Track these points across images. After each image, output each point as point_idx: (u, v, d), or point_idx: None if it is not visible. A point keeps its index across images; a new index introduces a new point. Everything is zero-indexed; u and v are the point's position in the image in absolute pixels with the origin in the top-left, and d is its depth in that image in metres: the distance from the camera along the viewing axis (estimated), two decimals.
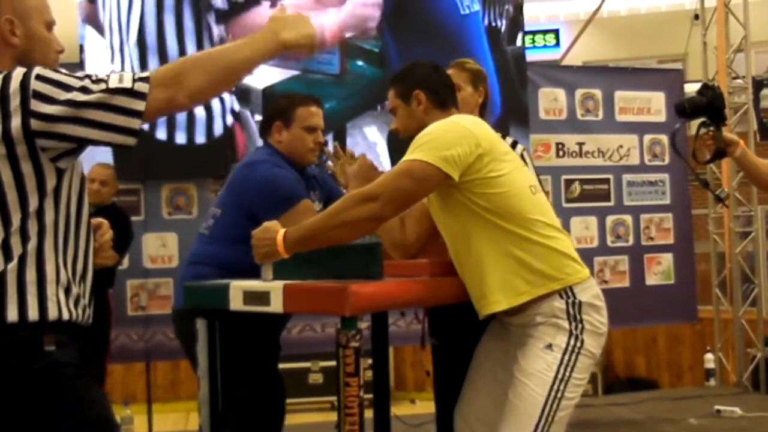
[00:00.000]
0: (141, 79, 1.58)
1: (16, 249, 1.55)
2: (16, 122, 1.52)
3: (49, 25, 1.71)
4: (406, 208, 2.14)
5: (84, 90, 1.54)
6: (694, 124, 2.74)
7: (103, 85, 1.55)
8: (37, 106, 1.52)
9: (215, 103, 4.49)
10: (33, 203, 1.57)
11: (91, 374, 1.69)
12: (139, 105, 1.56)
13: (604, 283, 5.24)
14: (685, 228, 5.50)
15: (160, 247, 4.62)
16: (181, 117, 4.39)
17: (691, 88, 7.02)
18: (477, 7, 4.81)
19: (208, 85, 1.63)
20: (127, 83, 1.56)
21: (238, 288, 2.15)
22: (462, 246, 2.16)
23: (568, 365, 2.08)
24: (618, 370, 7.24)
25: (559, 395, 2.06)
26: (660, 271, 5.42)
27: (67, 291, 1.61)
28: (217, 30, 4.50)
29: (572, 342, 2.08)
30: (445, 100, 2.30)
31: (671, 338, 7.05)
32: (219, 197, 2.76)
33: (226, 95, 4.47)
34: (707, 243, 5.87)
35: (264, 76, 4.47)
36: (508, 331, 2.20)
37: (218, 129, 4.52)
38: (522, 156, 2.41)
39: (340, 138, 4.56)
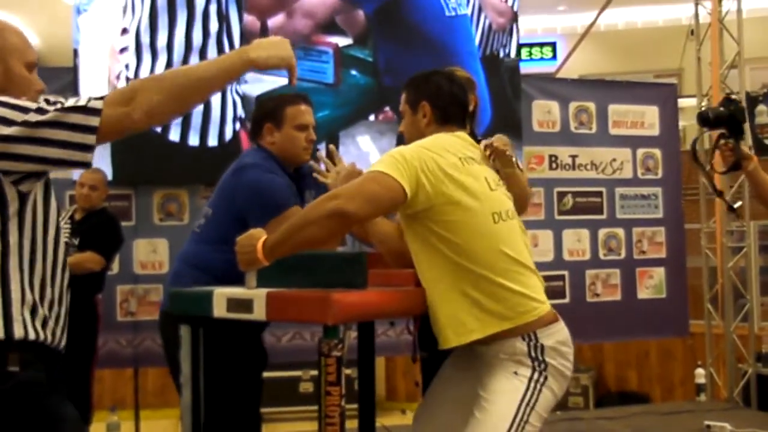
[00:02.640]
0: (96, 98, 1.61)
1: None
2: None
3: (30, 65, 1.75)
4: (372, 211, 2.11)
5: (39, 111, 1.58)
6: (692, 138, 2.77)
7: (58, 105, 1.59)
8: None
9: (218, 108, 4.48)
10: None
11: (60, 391, 1.68)
12: (94, 121, 1.58)
13: (595, 296, 5.25)
14: (678, 242, 5.50)
15: (150, 253, 4.61)
16: (196, 120, 4.38)
17: (686, 103, 7.07)
18: (465, 10, 4.81)
19: (166, 104, 1.64)
20: (82, 102, 1.60)
21: (221, 295, 2.15)
22: (421, 277, 2.17)
23: (534, 394, 2.06)
24: (609, 384, 7.22)
25: (525, 418, 2.04)
26: (652, 285, 5.42)
27: (33, 312, 1.60)
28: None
29: (536, 376, 2.07)
30: (448, 117, 2.30)
31: (663, 352, 7.04)
32: (211, 198, 2.77)
33: (229, 102, 4.48)
34: (699, 257, 5.87)
35: (257, 84, 4.48)
36: (474, 356, 2.18)
37: (228, 134, 4.51)
38: None
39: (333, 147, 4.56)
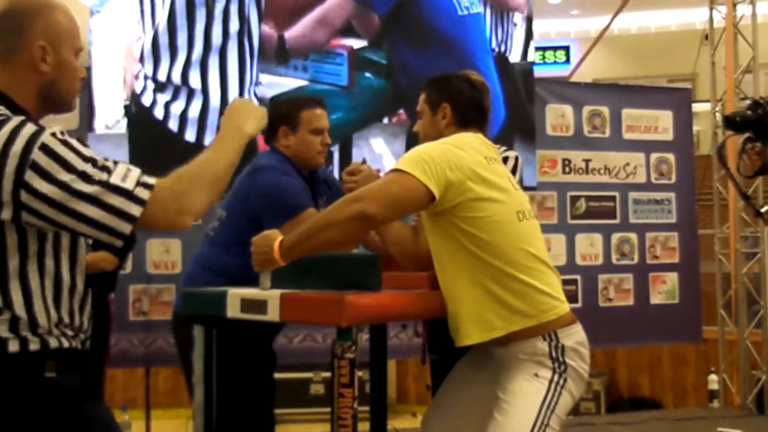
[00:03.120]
0: (145, 185, 1.50)
1: (10, 302, 1.52)
2: (7, 187, 1.44)
3: (78, 51, 1.63)
4: (395, 214, 2.12)
5: (84, 177, 1.46)
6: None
7: (105, 176, 1.47)
8: (31, 178, 1.43)
9: None
10: (13, 263, 1.51)
11: (95, 394, 1.69)
12: (136, 210, 1.48)
13: (608, 300, 5.22)
14: (691, 247, 5.47)
15: (163, 253, 4.63)
16: (213, 120, 4.36)
17: (700, 108, 7.04)
18: (478, 8, 4.80)
19: (206, 202, 1.59)
20: (129, 184, 1.48)
21: (235, 296, 2.15)
22: (442, 274, 2.16)
23: (554, 396, 2.05)
24: (621, 389, 7.19)
25: (546, 420, 2.03)
26: (665, 290, 5.39)
27: (63, 335, 1.59)
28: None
29: (556, 378, 2.07)
30: (468, 120, 2.32)
31: (676, 358, 7.00)
32: (225, 199, 2.77)
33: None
34: (713, 263, 5.84)
35: (271, 86, 4.49)
36: (490, 358, 2.17)
37: None
38: (515, 163, 2.44)
39: (346, 149, 4.56)
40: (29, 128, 1.47)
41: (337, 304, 1.93)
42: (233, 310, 2.14)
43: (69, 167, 1.45)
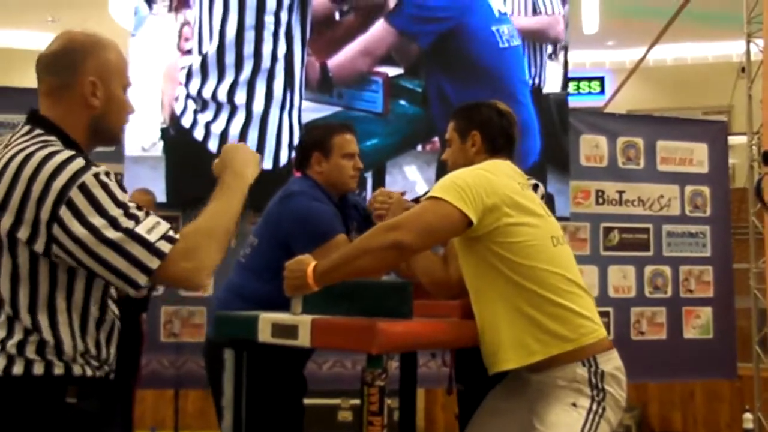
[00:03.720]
0: (169, 239, 1.53)
1: (39, 326, 1.55)
2: (44, 218, 1.50)
3: (126, 87, 1.71)
4: (431, 242, 2.14)
5: (113, 222, 1.50)
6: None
7: (131, 224, 1.51)
8: (65, 214, 1.49)
9: (273, 133, 4.52)
10: (43, 290, 1.55)
11: (114, 422, 1.71)
12: (154, 263, 1.51)
13: (640, 334, 5.16)
14: (726, 281, 5.39)
15: None
16: (252, 143, 4.39)
17: (735, 141, 6.96)
18: (517, 41, 4.83)
19: (220, 257, 1.60)
20: (153, 236, 1.52)
21: (267, 320, 2.16)
22: (477, 299, 2.16)
23: (592, 426, 2.03)
24: (653, 424, 7.07)
25: None
26: (699, 324, 5.31)
27: (87, 364, 1.61)
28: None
29: (594, 407, 2.04)
30: (498, 147, 2.33)
31: (709, 394, 6.87)
32: (257, 226, 2.79)
33: (285, 126, 4.51)
34: (748, 298, 5.74)
35: (306, 112, 4.53)
36: (525, 386, 2.15)
37: (283, 159, 4.52)
38: (541, 193, 2.44)
39: (380, 176, 4.58)
40: (76, 164, 1.53)
41: (368, 331, 1.93)
42: (264, 335, 2.15)
43: (102, 211, 1.50)
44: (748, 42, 5.77)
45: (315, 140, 2.79)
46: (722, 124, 5.89)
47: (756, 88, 5.74)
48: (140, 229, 1.52)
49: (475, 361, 2.34)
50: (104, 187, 1.53)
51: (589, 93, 10.47)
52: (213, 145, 4.40)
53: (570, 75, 5.23)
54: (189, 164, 4.35)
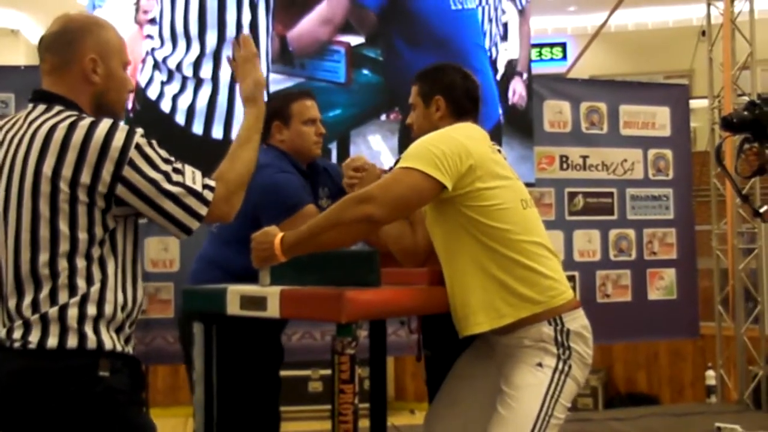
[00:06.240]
0: (209, 188, 1.73)
1: (81, 287, 1.63)
2: (105, 179, 1.61)
3: (126, 65, 1.79)
4: (402, 214, 2.14)
5: (167, 178, 1.67)
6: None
7: (180, 178, 1.69)
8: (130, 174, 1.63)
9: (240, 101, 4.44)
10: (96, 251, 1.65)
11: (141, 401, 1.79)
12: (203, 210, 1.71)
13: (606, 297, 5.23)
14: (688, 243, 5.48)
15: (161, 251, 4.61)
16: (221, 112, 4.32)
17: (697, 104, 7.04)
18: (472, 4, 4.78)
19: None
20: (198, 186, 1.71)
21: (235, 293, 2.15)
22: (448, 263, 2.16)
23: (558, 385, 2.06)
24: (619, 385, 7.21)
25: (550, 412, 2.04)
26: (662, 286, 5.40)
27: (119, 330, 1.68)
28: None
29: (560, 365, 2.07)
30: (463, 111, 2.31)
31: (673, 354, 7.02)
32: None
33: None
34: (710, 259, 5.85)
35: (269, 84, 4.48)
36: (493, 349, 2.18)
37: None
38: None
39: (344, 146, 4.55)
40: (123, 127, 1.65)
41: (336, 300, 1.93)
42: (233, 307, 2.15)
43: (156, 168, 1.67)
44: (709, 5, 5.81)
45: (274, 109, 2.76)
46: (684, 87, 5.94)
47: (716, 51, 5.80)
48: (189, 182, 1.69)
49: (442, 327, 2.36)
50: (151, 145, 1.68)
51: (552, 59, 10.49)
52: (180, 119, 4.32)
53: (532, 41, 5.21)
54: (157, 136, 4.27)
